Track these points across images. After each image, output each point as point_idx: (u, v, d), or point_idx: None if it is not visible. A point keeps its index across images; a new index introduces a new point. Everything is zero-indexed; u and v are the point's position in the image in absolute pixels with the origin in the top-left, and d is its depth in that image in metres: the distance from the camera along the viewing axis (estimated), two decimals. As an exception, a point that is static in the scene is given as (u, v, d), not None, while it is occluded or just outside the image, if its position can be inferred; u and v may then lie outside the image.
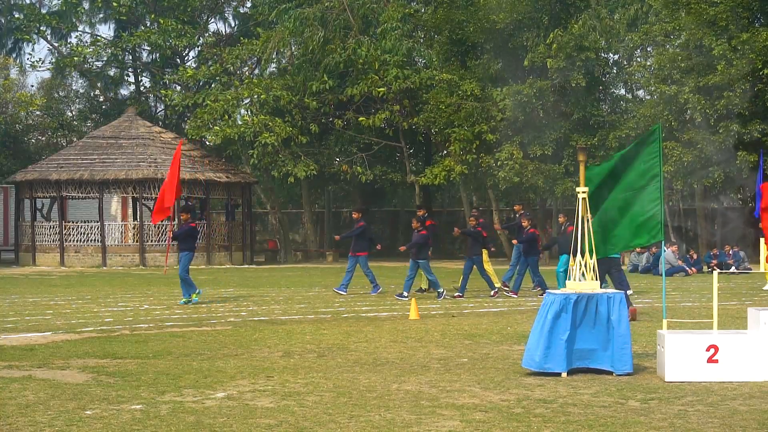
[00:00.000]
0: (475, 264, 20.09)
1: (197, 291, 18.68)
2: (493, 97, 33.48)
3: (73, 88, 49.98)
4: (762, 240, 21.47)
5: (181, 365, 10.86)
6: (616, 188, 10.72)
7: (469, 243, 20.50)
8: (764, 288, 21.82)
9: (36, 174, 35.23)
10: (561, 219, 21.06)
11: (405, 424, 7.80)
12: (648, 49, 35.56)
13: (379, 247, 22.30)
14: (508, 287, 20.85)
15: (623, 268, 30.92)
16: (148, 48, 46.06)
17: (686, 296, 20.16)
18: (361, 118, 36.04)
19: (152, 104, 48.76)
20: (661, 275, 12.09)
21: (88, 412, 8.24)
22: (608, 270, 16.03)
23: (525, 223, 20.61)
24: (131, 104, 42.97)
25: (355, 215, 22.52)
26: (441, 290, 19.90)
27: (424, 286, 21.37)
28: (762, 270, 21.25)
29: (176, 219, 28.34)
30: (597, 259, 10.50)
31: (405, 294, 19.65)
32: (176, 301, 18.77)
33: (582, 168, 10.73)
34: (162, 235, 34.39)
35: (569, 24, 33.29)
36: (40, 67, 49.98)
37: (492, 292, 20.20)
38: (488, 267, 20.86)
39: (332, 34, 36.18)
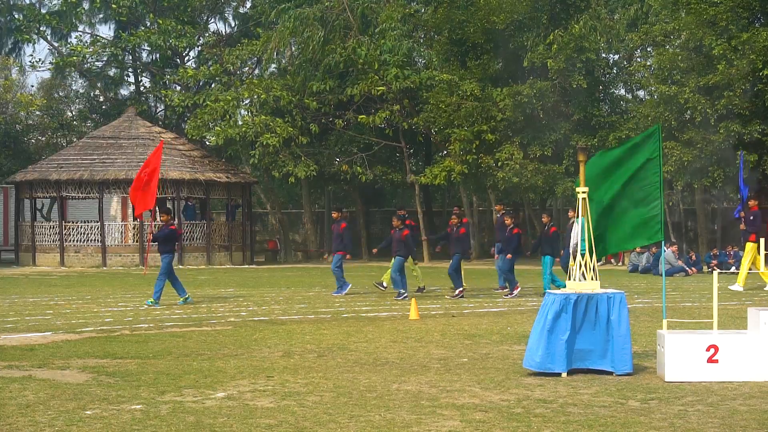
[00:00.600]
0: (454, 262, 19.95)
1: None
2: (493, 97, 33.48)
3: (73, 88, 49.99)
4: (762, 240, 21.47)
5: (181, 365, 10.86)
6: (615, 188, 10.71)
7: (453, 242, 20.24)
8: (765, 288, 21.82)
9: (36, 174, 35.22)
10: (545, 219, 20.84)
11: (405, 424, 7.79)
12: (648, 49, 35.54)
13: (348, 257, 21.59)
14: (506, 288, 20.83)
15: (623, 268, 31.21)
16: (148, 48, 46.06)
17: (686, 296, 20.15)
18: (361, 117, 36.05)
19: (152, 104, 48.76)
20: (661, 275, 12.09)
21: (88, 412, 8.24)
22: None
23: (508, 221, 20.05)
24: (131, 104, 42.95)
25: (334, 215, 21.79)
26: (403, 292, 19.43)
27: (421, 284, 21.38)
28: (762, 270, 21.19)
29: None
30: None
31: (404, 294, 19.63)
32: (175, 301, 18.79)
33: (582, 168, 10.72)
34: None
35: (569, 24, 33.29)
36: (40, 67, 50.08)
37: (456, 291, 19.81)
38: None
39: (332, 34, 36.17)
